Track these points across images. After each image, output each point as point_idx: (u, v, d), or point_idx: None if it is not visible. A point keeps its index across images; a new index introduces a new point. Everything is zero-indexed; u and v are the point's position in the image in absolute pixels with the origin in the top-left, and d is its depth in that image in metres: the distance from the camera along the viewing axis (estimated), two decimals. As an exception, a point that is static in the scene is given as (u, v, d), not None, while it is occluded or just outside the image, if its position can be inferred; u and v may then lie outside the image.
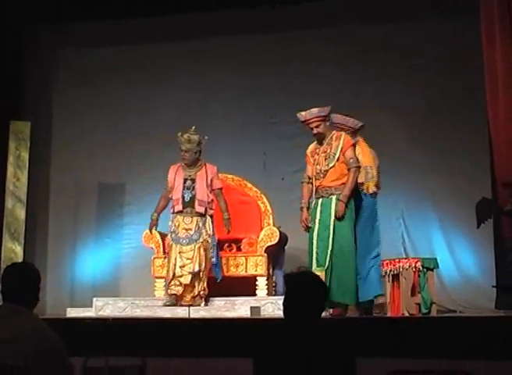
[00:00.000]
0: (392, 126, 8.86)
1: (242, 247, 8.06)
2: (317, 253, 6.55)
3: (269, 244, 7.91)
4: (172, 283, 7.36)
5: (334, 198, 6.62)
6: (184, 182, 7.53)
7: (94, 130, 9.85)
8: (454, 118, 8.71)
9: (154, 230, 7.73)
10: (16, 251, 8.84)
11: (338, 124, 7.03)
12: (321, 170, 6.74)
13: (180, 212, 7.47)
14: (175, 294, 7.35)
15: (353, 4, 9.09)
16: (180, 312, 7.08)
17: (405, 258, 7.23)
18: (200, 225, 7.42)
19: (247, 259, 7.92)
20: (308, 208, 6.78)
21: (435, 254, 7.84)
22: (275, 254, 8.14)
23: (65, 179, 9.88)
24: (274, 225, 8.12)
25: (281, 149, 9.23)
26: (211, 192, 7.52)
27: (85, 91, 9.94)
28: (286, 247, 8.31)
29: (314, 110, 6.78)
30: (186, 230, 7.42)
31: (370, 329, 5.79)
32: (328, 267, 6.45)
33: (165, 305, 7.28)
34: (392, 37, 9.04)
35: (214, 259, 7.46)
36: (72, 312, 7.70)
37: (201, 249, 7.35)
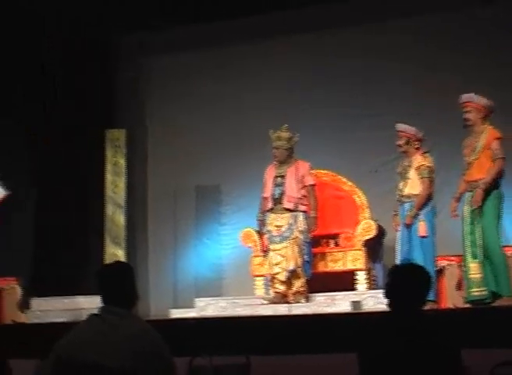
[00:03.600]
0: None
1: (340, 242, 8.02)
2: (470, 246, 6.54)
3: (367, 237, 7.85)
4: (275, 281, 7.41)
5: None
6: (274, 179, 7.56)
7: (187, 133, 9.97)
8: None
9: (264, 230, 7.64)
10: (118, 255, 9.05)
11: (401, 133, 7.24)
12: (467, 163, 6.68)
13: (271, 209, 7.50)
14: (279, 293, 7.38)
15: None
16: (281, 309, 7.10)
17: (505, 246, 7.05)
18: (292, 222, 7.40)
19: (345, 254, 7.88)
20: (459, 200, 6.73)
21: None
22: (373, 247, 8.07)
23: (161, 183, 10.05)
24: (371, 218, 8.05)
25: (372, 141, 9.11)
26: (302, 188, 7.49)
27: (176, 94, 10.07)
28: (383, 240, 8.23)
29: (474, 96, 6.70)
30: (278, 227, 7.43)
31: (476, 319, 5.68)
32: (482, 260, 6.44)
33: (272, 303, 7.32)
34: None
35: (306, 257, 7.43)
36: (176, 313, 7.83)
37: (294, 246, 7.35)
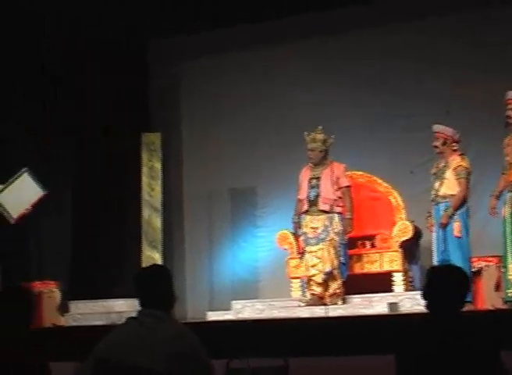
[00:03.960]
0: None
1: (376, 243, 7.99)
2: (511, 246, 6.52)
3: (403, 239, 7.81)
4: (311, 283, 7.40)
5: None
6: (310, 181, 7.55)
7: (222, 136, 9.99)
8: None
9: (299, 232, 7.64)
10: (155, 258, 9.11)
11: (438, 133, 7.15)
12: (509, 163, 6.62)
13: (307, 211, 7.49)
14: (316, 295, 7.37)
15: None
16: (318, 311, 7.09)
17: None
18: (327, 223, 7.40)
19: (381, 255, 7.85)
20: (498, 198, 6.69)
21: None
22: (409, 248, 8.02)
23: (197, 186, 10.08)
24: (407, 219, 8.00)
25: (407, 142, 9.06)
26: (337, 190, 7.49)
27: (211, 98, 10.11)
28: (420, 241, 8.18)
29: None
30: (314, 229, 7.43)
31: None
32: None
33: (309, 305, 7.31)
34: None
35: (342, 258, 7.42)
36: (212, 316, 7.85)
37: (330, 248, 7.34)
